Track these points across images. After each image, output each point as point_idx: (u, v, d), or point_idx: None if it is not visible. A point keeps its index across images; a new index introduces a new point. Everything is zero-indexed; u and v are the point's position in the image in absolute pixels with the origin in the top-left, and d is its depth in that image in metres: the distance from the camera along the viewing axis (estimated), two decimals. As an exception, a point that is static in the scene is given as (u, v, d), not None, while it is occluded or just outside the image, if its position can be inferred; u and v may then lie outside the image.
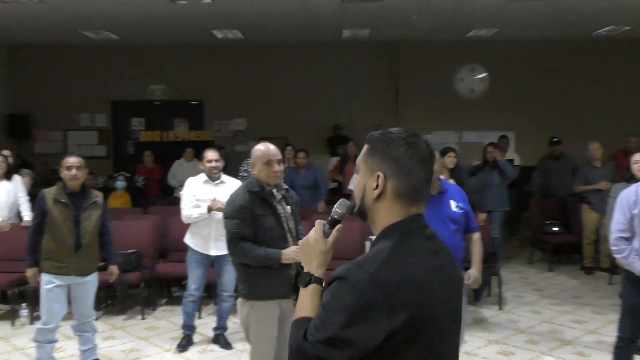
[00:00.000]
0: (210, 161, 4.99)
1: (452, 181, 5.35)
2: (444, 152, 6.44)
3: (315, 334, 1.39)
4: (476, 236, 3.89)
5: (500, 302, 6.18)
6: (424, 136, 1.55)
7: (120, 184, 8.17)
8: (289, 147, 8.43)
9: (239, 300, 3.50)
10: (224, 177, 5.09)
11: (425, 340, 1.40)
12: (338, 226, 1.62)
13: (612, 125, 10.45)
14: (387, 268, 1.38)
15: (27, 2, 7.92)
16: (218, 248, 4.92)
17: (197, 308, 5.21)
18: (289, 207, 3.59)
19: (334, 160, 9.88)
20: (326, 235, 1.62)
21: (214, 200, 4.86)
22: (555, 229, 7.85)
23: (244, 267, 3.44)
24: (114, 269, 4.62)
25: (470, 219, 3.80)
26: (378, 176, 1.48)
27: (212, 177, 5.02)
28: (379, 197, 1.49)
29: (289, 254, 3.35)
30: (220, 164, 5.07)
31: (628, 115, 11.01)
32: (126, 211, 7.55)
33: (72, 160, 4.27)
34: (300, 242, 1.70)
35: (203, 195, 4.96)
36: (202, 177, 5.06)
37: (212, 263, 5.06)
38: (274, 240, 3.41)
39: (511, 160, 9.32)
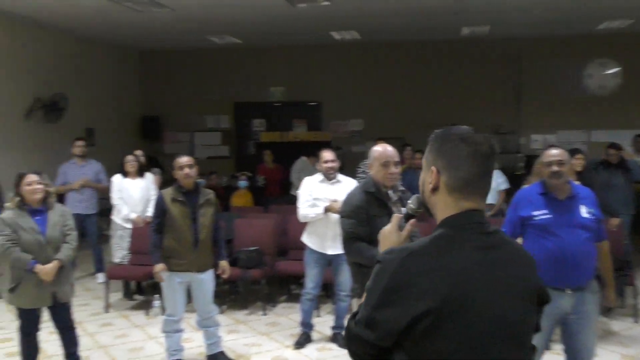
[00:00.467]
0: (326, 161, 5.07)
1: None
2: (571, 154, 6.10)
3: (358, 315, 1.51)
4: (605, 246, 3.65)
5: (635, 314, 5.76)
6: (488, 136, 1.56)
7: (242, 183, 8.50)
8: (408, 148, 8.35)
9: (354, 299, 3.53)
10: (340, 177, 5.15)
11: (452, 332, 1.40)
12: (412, 220, 1.74)
13: None
14: (419, 256, 1.43)
15: (159, 10, 8.45)
16: (335, 247, 4.96)
17: (314, 306, 5.30)
18: (404, 209, 3.58)
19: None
20: (401, 228, 1.73)
21: (334, 201, 4.92)
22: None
23: (358, 266, 3.47)
24: (225, 264, 4.79)
25: (601, 226, 3.58)
26: (432, 171, 1.55)
27: (329, 177, 5.09)
28: (433, 191, 1.56)
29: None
30: (337, 164, 5.14)
31: None
32: (248, 210, 7.85)
33: (183, 160, 4.50)
34: (379, 233, 1.80)
35: (320, 194, 5.04)
36: (319, 176, 5.14)
37: (329, 262, 5.12)
38: (390, 243, 3.41)
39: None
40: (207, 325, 4.72)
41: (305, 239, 5.20)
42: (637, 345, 5.13)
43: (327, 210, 4.94)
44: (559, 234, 3.38)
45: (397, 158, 3.57)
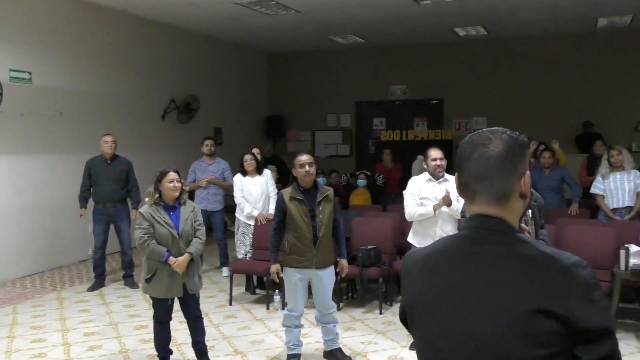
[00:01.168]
0: (434, 160, 4.99)
1: None
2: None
3: None
4: None
5: None
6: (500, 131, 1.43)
7: (361, 181, 8.55)
8: (537, 145, 8.01)
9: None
10: (447, 176, 5.04)
11: (418, 331, 1.47)
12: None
13: None
14: (418, 254, 1.51)
15: (286, 12, 8.71)
16: None
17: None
18: (529, 211, 3.43)
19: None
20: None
21: (446, 194, 4.82)
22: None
23: None
24: (344, 262, 4.83)
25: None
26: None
27: (436, 176, 5.00)
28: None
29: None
30: (444, 163, 5.04)
31: None
32: (366, 208, 7.88)
33: (304, 158, 4.59)
34: None
35: (427, 194, 4.96)
36: (426, 175, 5.07)
37: None
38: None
39: None
40: (325, 322, 4.79)
41: (411, 239, 5.14)
42: None
43: (440, 203, 4.85)
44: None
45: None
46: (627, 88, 10.59)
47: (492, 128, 1.46)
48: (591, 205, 7.19)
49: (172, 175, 4.37)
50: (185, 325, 4.67)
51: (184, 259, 4.34)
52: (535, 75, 11.12)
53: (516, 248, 1.35)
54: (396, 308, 6.16)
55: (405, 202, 5.10)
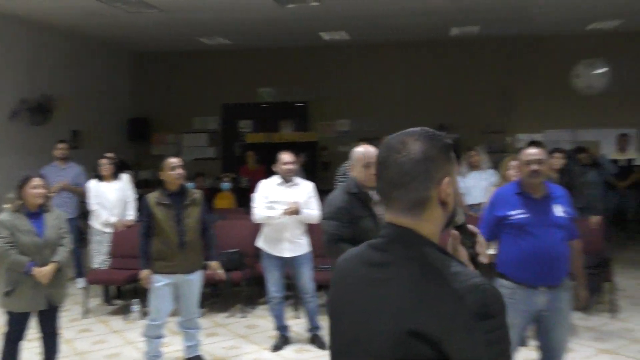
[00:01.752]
0: (285, 163, 5.06)
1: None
2: (550, 153, 6.11)
3: None
4: (578, 245, 3.64)
5: (612, 310, 5.77)
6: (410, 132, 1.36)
7: (225, 185, 8.47)
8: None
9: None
10: (297, 180, 5.14)
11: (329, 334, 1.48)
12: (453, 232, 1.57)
13: None
14: (344, 255, 1.51)
15: (149, 11, 8.42)
16: (292, 250, 4.98)
17: (283, 308, 5.23)
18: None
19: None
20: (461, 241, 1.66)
21: (293, 203, 4.88)
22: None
23: None
24: (215, 264, 4.77)
25: (574, 225, 3.57)
26: None
27: (286, 179, 5.07)
28: None
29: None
30: (295, 166, 5.14)
31: None
32: (230, 211, 7.82)
33: (175, 160, 4.54)
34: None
35: (277, 197, 5.00)
36: (276, 179, 5.12)
37: (287, 265, 5.08)
38: (373, 242, 3.41)
39: (631, 160, 8.74)
40: (188, 327, 4.70)
41: (261, 243, 5.15)
42: (613, 339, 5.15)
43: (287, 213, 4.87)
44: (535, 233, 3.39)
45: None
46: (475, 93, 11.35)
47: (411, 129, 1.37)
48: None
49: (36, 181, 4.14)
50: (34, 344, 4.36)
51: (49, 268, 4.08)
52: (395, 79, 11.62)
53: (416, 264, 1.27)
54: (259, 311, 6.16)
55: (254, 204, 5.10)
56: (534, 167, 3.42)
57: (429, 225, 1.33)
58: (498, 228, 3.51)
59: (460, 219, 1.48)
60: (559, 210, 3.45)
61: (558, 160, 6.10)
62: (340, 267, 1.47)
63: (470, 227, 1.54)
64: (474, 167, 6.90)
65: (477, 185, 6.78)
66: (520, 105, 11.22)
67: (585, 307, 5.67)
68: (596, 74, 11.03)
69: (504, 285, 3.46)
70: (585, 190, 6.63)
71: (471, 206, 6.81)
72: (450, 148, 1.36)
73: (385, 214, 1.38)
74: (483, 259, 1.53)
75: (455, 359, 1.16)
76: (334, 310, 1.44)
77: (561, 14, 9.13)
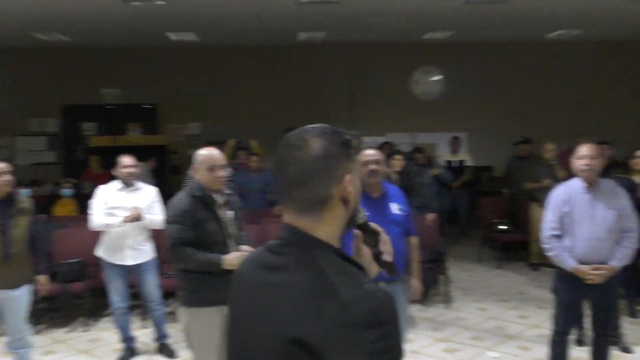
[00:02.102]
0: (125, 167, 4.93)
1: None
2: (389, 155, 6.54)
3: None
4: (414, 241, 3.95)
5: (447, 301, 6.29)
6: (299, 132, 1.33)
7: (66, 191, 7.99)
8: (243, 151, 8.42)
9: (181, 308, 3.49)
10: (139, 184, 5.03)
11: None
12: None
13: (565, 125, 10.78)
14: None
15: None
16: (135, 257, 4.87)
17: (128, 319, 5.07)
18: (231, 212, 3.61)
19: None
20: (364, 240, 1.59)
21: (134, 208, 4.78)
22: (504, 227, 8.03)
23: (185, 273, 3.44)
24: (43, 279, 4.46)
25: (410, 222, 3.87)
26: None
27: (127, 183, 4.94)
28: None
29: (231, 259, 3.37)
30: (136, 170, 5.02)
31: (579, 116, 11.37)
32: (72, 219, 7.40)
33: (2, 165, 4.19)
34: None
35: (117, 203, 4.85)
36: (117, 184, 4.98)
37: (131, 273, 4.95)
38: (215, 245, 3.43)
39: (462, 161, 9.53)
40: (17, 347, 4.33)
41: (101, 252, 4.97)
42: (448, 328, 5.60)
43: (128, 220, 4.74)
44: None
45: (223, 162, 3.58)
46: (321, 96, 11.75)
47: (311, 126, 1.33)
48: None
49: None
50: None
51: None
52: (245, 82, 11.68)
53: (307, 268, 1.23)
54: (103, 323, 5.90)
55: (91, 211, 4.90)
56: (372, 167, 3.66)
57: (329, 226, 1.30)
58: None
59: (361, 217, 1.45)
60: (395, 208, 3.72)
61: (398, 162, 6.51)
62: (239, 270, 1.41)
63: (373, 225, 1.51)
64: None
65: None
66: (365, 109, 11.80)
67: (420, 300, 6.13)
68: (432, 80, 11.94)
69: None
70: (422, 190, 7.16)
71: None
72: (350, 145, 1.34)
73: (284, 215, 1.33)
74: (387, 257, 1.50)
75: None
76: (230, 316, 1.39)
77: (398, 24, 9.74)
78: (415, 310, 5.90)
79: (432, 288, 6.50)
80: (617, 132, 10.52)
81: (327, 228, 1.29)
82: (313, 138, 1.29)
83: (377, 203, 3.68)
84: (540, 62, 11.70)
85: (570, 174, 4.55)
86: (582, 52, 11.53)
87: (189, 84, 11.59)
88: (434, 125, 11.69)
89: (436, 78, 11.98)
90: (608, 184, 4.03)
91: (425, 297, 6.32)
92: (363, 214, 1.45)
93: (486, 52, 11.63)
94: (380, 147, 8.30)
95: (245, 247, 3.52)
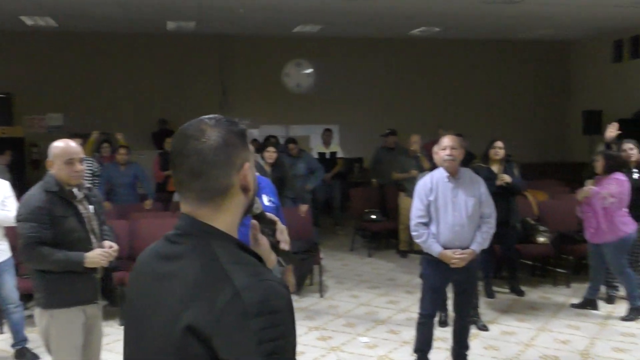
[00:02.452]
0: None
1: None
2: (264, 147, 6.52)
3: None
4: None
5: (321, 290, 6.39)
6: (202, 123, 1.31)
7: None
8: (108, 144, 8.02)
9: (37, 310, 3.24)
10: None
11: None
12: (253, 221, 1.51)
13: (429, 118, 11.33)
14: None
15: None
16: None
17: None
18: (91, 207, 3.39)
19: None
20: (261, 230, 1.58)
21: None
22: (374, 216, 8.29)
23: (42, 273, 3.20)
24: None
25: (280, 214, 3.85)
26: None
27: None
28: None
29: (94, 257, 3.19)
30: None
31: (441, 109, 12.01)
32: None
33: None
34: None
35: None
36: None
37: None
38: (77, 242, 3.22)
39: (334, 152, 9.72)
40: None
41: None
42: (322, 316, 5.70)
43: None
44: (245, 222, 3.55)
45: (82, 154, 3.35)
46: (194, 87, 11.48)
47: (207, 117, 1.31)
48: (165, 199, 7.56)
49: None
50: None
51: None
52: (112, 72, 11.15)
53: (202, 257, 1.23)
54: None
55: None
56: None
57: (229, 216, 1.31)
58: None
59: (258, 207, 1.46)
60: (265, 200, 3.69)
61: (271, 154, 6.49)
62: (137, 261, 1.40)
63: (269, 215, 1.51)
64: None
65: None
66: (238, 101, 11.70)
67: (295, 291, 6.18)
68: (303, 73, 12.07)
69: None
70: (295, 181, 7.20)
71: None
72: (245, 134, 1.34)
73: (182, 206, 1.33)
74: (284, 246, 1.51)
75: (223, 358, 1.13)
76: (127, 309, 1.37)
77: (269, 16, 9.73)
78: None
79: (307, 278, 6.57)
80: (476, 124, 11.28)
81: (226, 218, 1.31)
82: (211, 128, 1.28)
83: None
84: (406, 58, 12.21)
85: (434, 165, 4.78)
86: (442, 49, 12.19)
87: (48, 72, 10.86)
88: (307, 117, 11.83)
89: (307, 71, 12.12)
90: (468, 173, 4.28)
91: (300, 288, 6.39)
92: (259, 204, 1.47)
93: (355, 47, 11.95)
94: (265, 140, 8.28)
95: (108, 243, 3.34)
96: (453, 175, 4.17)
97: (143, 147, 10.48)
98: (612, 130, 5.73)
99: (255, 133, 11.54)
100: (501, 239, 5.99)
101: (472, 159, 7.00)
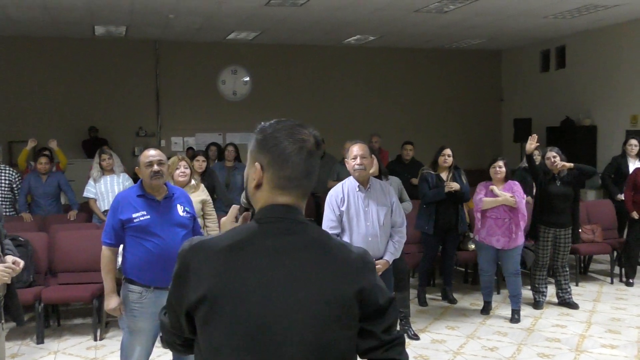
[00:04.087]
0: None
1: (202, 186, 5.26)
2: (193, 157, 6.35)
3: None
4: None
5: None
6: (310, 128, 1.50)
7: None
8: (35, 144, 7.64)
9: None
10: None
11: (221, 325, 1.37)
12: (245, 213, 1.64)
13: (364, 126, 11.35)
14: (208, 244, 1.43)
15: None
16: None
17: None
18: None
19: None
20: (237, 220, 1.66)
21: None
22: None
23: None
24: None
25: (197, 224, 3.72)
26: (256, 168, 1.48)
27: None
28: (257, 187, 1.49)
29: (-6, 273, 2.97)
30: None
31: (375, 116, 12.05)
32: None
33: None
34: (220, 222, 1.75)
35: None
36: None
37: None
38: (-24, 257, 2.99)
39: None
40: None
41: None
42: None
43: None
44: (158, 233, 3.41)
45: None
46: (126, 94, 11.15)
47: (295, 121, 1.49)
48: (89, 209, 7.22)
49: None
50: None
51: None
52: (39, 77, 10.69)
53: (318, 238, 1.44)
54: None
55: None
56: (156, 168, 3.45)
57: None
58: (123, 231, 3.45)
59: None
60: (180, 210, 3.55)
61: (199, 164, 6.32)
62: (217, 256, 1.40)
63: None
64: (106, 171, 6.60)
65: (110, 190, 6.53)
66: (172, 108, 11.43)
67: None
68: (239, 81, 11.92)
69: (132, 290, 3.42)
70: (226, 190, 7.04)
71: (106, 211, 6.54)
72: (258, 140, 1.51)
73: (271, 196, 1.45)
74: None
75: (377, 306, 1.42)
76: (230, 301, 1.36)
77: (200, 22, 9.55)
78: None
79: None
80: (412, 131, 11.36)
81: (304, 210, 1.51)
82: (311, 133, 1.49)
83: (161, 206, 3.48)
84: (342, 66, 12.22)
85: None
86: (377, 57, 12.27)
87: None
88: (244, 125, 11.66)
89: (243, 79, 11.97)
90: (378, 182, 4.26)
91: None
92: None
93: (291, 54, 11.88)
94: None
95: (11, 258, 3.13)
96: (364, 185, 4.14)
97: (73, 156, 10.08)
98: (531, 143, 5.82)
99: (190, 141, 11.32)
100: (445, 244, 6.05)
101: (415, 165, 7.00)
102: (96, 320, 5.27)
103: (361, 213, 4.06)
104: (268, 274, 1.38)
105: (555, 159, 5.77)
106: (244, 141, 11.44)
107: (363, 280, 1.42)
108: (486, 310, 5.84)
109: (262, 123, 1.53)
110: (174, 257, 3.34)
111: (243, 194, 1.74)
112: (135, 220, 3.41)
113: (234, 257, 1.39)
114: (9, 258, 3.13)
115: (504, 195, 5.52)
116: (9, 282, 3.11)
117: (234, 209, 1.69)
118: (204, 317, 1.38)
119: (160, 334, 1.62)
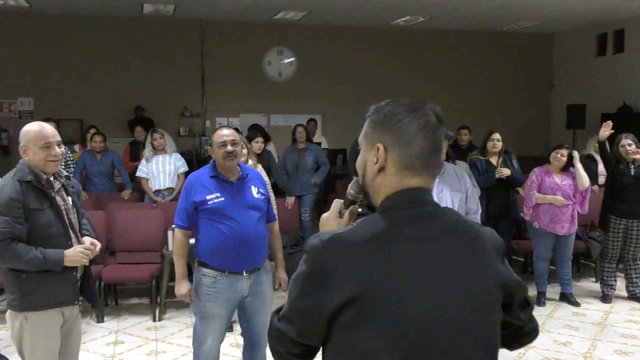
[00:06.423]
0: None
1: (260, 167, 5.15)
2: (250, 138, 6.22)
3: (282, 309, 1.38)
4: (276, 227, 3.66)
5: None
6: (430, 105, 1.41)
7: None
8: (93, 130, 7.61)
9: (9, 312, 2.93)
10: None
11: (378, 325, 1.23)
12: (351, 207, 1.53)
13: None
14: (345, 239, 1.27)
15: None
16: None
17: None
18: (70, 198, 3.07)
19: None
20: (341, 215, 1.53)
21: None
22: (360, 209, 8.04)
23: (15, 273, 2.87)
24: None
25: (270, 207, 3.58)
26: (378, 148, 1.35)
27: None
28: (380, 171, 1.36)
29: (74, 255, 2.88)
30: None
31: (425, 99, 11.72)
32: None
33: None
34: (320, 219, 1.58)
35: None
36: None
37: None
38: (54, 237, 2.89)
39: (319, 143, 9.43)
40: None
41: None
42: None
43: None
44: (233, 216, 3.27)
45: (58, 137, 3.01)
46: (171, 74, 11.09)
47: (406, 99, 1.40)
48: (142, 189, 7.19)
49: None
50: None
51: None
52: (86, 56, 10.68)
53: (457, 221, 1.35)
54: None
55: None
56: (229, 148, 3.31)
57: None
58: (196, 213, 3.33)
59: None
60: (255, 192, 3.41)
61: (258, 145, 6.20)
62: (360, 251, 1.25)
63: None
64: (158, 150, 6.54)
65: (161, 170, 6.49)
66: (217, 89, 11.35)
67: (286, 289, 5.91)
68: (284, 62, 11.76)
69: (206, 274, 3.32)
70: (282, 172, 6.91)
71: (157, 191, 6.52)
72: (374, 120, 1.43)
73: (404, 180, 1.34)
74: None
75: (513, 290, 1.39)
76: (386, 297, 1.23)
77: (248, 1, 9.39)
78: (280, 299, 5.67)
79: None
80: (460, 116, 11.08)
81: None
82: (433, 109, 1.39)
83: (235, 188, 3.34)
84: (390, 48, 11.96)
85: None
86: (426, 39, 11.98)
87: (18, 55, 10.36)
88: (288, 107, 11.54)
89: (289, 60, 11.81)
90: (452, 167, 4.07)
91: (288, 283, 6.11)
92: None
93: (338, 35, 11.67)
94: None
95: (89, 239, 3.04)
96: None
97: (119, 135, 10.08)
98: (605, 130, 5.59)
99: (235, 122, 11.22)
100: (497, 231, 5.82)
101: (471, 150, 6.81)
102: (155, 300, 5.22)
103: (434, 199, 3.87)
104: (421, 267, 1.26)
105: (631, 147, 5.51)
106: (289, 123, 11.34)
107: (503, 261, 1.39)
108: (542, 301, 5.63)
109: (374, 105, 1.42)
110: (249, 241, 3.28)
111: (350, 186, 1.56)
112: (209, 203, 3.28)
113: (380, 252, 1.26)
114: (86, 239, 3.05)
115: (554, 197, 5.46)
116: (87, 264, 3.03)
117: (337, 203, 1.56)
118: (350, 320, 1.23)
119: (269, 345, 1.43)
